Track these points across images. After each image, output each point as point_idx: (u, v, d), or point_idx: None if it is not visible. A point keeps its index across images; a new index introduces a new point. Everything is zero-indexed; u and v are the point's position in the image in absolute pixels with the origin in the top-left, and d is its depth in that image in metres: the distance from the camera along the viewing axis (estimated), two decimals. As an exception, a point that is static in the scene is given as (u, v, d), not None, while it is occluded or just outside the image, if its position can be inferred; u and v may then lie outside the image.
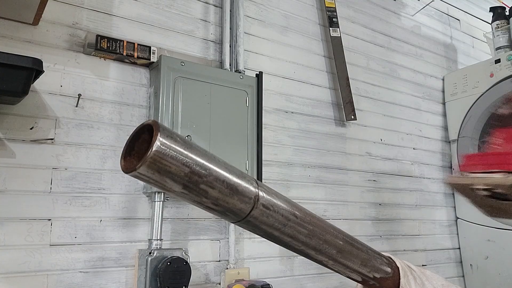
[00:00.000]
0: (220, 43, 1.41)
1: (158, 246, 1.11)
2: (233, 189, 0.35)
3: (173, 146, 0.31)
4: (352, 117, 1.63)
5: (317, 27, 1.70)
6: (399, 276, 0.49)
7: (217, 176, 0.34)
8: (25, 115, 1.03)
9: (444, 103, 2.08)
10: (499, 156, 0.53)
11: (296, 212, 0.41)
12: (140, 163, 0.30)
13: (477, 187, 0.53)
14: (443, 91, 2.09)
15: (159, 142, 0.30)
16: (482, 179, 0.52)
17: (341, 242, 0.44)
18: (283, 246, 0.42)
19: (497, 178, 0.51)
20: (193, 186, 0.33)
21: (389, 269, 0.49)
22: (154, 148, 0.30)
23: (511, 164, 0.51)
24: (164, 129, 0.31)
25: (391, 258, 0.51)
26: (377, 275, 0.48)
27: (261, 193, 0.38)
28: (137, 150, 0.33)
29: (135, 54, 1.18)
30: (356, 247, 0.46)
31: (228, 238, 1.28)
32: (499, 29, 1.94)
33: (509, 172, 0.50)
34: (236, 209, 0.36)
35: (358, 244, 0.47)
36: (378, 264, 0.48)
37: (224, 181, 0.34)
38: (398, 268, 0.50)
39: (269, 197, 0.39)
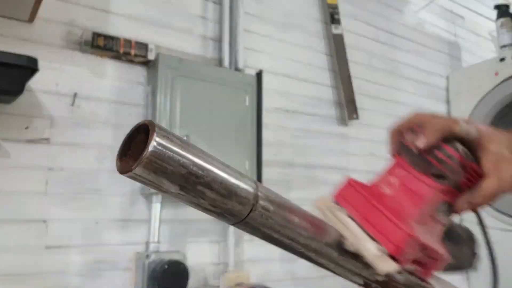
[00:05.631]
0: (219, 40, 1.39)
1: (156, 249, 1.10)
2: (231, 191, 0.34)
3: (170, 146, 0.31)
4: (355, 116, 1.61)
5: (319, 24, 1.68)
6: None
7: (215, 177, 0.33)
8: (20, 114, 1.02)
9: (448, 102, 2.06)
10: (386, 221, 0.40)
11: (296, 213, 0.40)
12: (135, 163, 0.30)
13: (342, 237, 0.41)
14: (447, 90, 2.08)
15: (155, 142, 0.30)
16: (355, 240, 0.40)
17: (342, 245, 0.43)
18: (283, 249, 0.41)
19: (370, 253, 0.39)
20: (190, 187, 0.32)
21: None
22: (150, 149, 0.29)
23: (393, 243, 0.38)
24: (160, 129, 0.31)
25: None
26: (380, 278, 0.47)
27: (260, 195, 0.37)
28: (133, 150, 0.32)
29: (132, 52, 1.16)
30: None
31: (227, 241, 1.27)
32: (503, 27, 1.92)
33: (387, 253, 0.39)
34: (234, 211, 0.35)
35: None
36: None
37: (222, 182, 0.34)
38: None
39: (268, 199, 0.38)
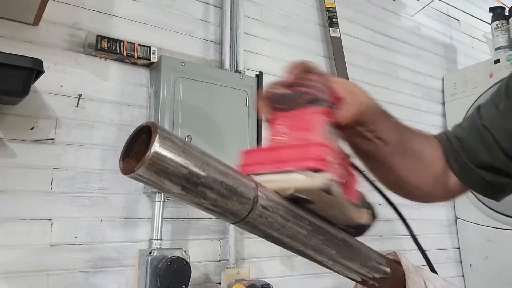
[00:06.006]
0: (220, 43, 1.41)
1: (158, 246, 1.11)
2: (232, 190, 0.35)
3: (171, 147, 0.31)
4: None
5: (317, 27, 1.70)
6: (399, 277, 0.50)
7: (216, 177, 0.34)
8: (26, 115, 1.03)
9: (443, 103, 2.08)
10: (292, 150, 0.40)
11: (295, 213, 0.41)
12: (138, 164, 0.30)
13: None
14: (443, 92, 2.09)
15: (157, 143, 0.30)
16: (280, 183, 0.39)
17: (340, 243, 0.44)
18: (283, 247, 0.42)
19: (300, 179, 0.38)
20: (192, 187, 0.33)
21: (388, 269, 0.49)
22: (152, 150, 0.30)
23: (312, 158, 0.38)
24: (162, 130, 0.31)
25: (397, 255, 0.52)
26: (377, 275, 0.48)
27: (260, 194, 0.38)
28: (136, 151, 0.33)
29: (136, 55, 1.18)
30: (355, 247, 0.47)
31: (228, 238, 1.28)
32: (498, 29, 1.94)
33: (312, 171, 0.37)
34: (235, 210, 0.36)
35: (358, 244, 0.47)
36: (377, 264, 0.48)
37: (222, 182, 0.35)
38: (399, 268, 0.50)
39: (268, 198, 0.39)
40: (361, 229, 0.48)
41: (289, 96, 0.44)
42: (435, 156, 0.56)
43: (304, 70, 0.45)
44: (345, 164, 0.43)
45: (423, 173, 0.56)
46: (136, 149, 0.33)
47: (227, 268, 1.25)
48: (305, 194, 0.40)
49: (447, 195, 0.59)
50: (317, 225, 0.43)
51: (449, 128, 2.06)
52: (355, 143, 0.52)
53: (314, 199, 0.40)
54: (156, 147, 0.30)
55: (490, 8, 2.03)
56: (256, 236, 0.40)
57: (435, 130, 2.13)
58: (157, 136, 0.31)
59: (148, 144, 0.31)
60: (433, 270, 0.53)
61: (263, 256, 1.36)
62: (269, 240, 0.41)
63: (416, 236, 0.54)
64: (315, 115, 0.42)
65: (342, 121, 0.44)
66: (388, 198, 0.53)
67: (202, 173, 0.33)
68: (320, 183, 0.37)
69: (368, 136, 0.50)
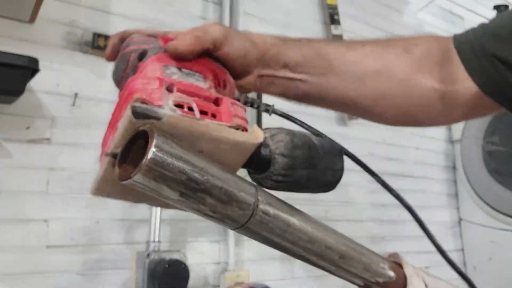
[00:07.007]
0: (219, 41, 1.39)
1: (156, 248, 1.10)
2: (232, 196, 0.34)
3: (169, 152, 0.30)
4: (354, 116, 1.62)
5: (319, 25, 1.68)
6: (401, 280, 0.49)
7: (215, 182, 0.33)
8: (21, 114, 1.02)
9: (447, 102, 2.07)
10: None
11: (296, 217, 0.41)
12: (135, 171, 0.29)
13: None
14: (446, 90, 2.08)
15: (155, 149, 0.29)
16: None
17: (343, 247, 0.43)
18: (284, 252, 0.41)
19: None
20: (190, 193, 0.32)
21: (392, 274, 0.48)
22: (149, 156, 0.29)
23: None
24: (159, 134, 0.30)
25: (398, 256, 0.51)
26: (380, 280, 0.47)
27: (260, 199, 0.37)
28: (132, 156, 0.32)
29: (133, 53, 1.16)
30: (358, 251, 0.46)
31: (227, 240, 1.27)
32: (503, 27, 1.92)
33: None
34: (234, 216, 0.36)
35: (361, 248, 0.47)
36: (381, 268, 0.47)
37: (222, 188, 0.34)
38: (402, 272, 0.50)
39: (268, 203, 0.38)
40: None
41: (119, 67, 0.39)
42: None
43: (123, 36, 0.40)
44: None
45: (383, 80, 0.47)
46: (133, 153, 0.32)
47: (227, 270, 1.24)
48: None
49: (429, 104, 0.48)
50: (320, 230, 0.43)
51: (451, 129, 2.03)
52: (276, 91, 0.45)
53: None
54: (153, 152, 0.29)
55: (494, 6, 2.01)
56: (256, 238, 0.40)
57: (437, 130, 2.11)
58: (154, 142, 0.30)
59: (145, 148, 0.30)
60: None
61: (263, 259, 1.35)
62: (270, 246, 0.41)
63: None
64: (147, 68, 0.37)
65: (180, 50, 0.37)
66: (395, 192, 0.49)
67: (201, 178, 0.32)
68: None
69: (279, 79, 0.43)
